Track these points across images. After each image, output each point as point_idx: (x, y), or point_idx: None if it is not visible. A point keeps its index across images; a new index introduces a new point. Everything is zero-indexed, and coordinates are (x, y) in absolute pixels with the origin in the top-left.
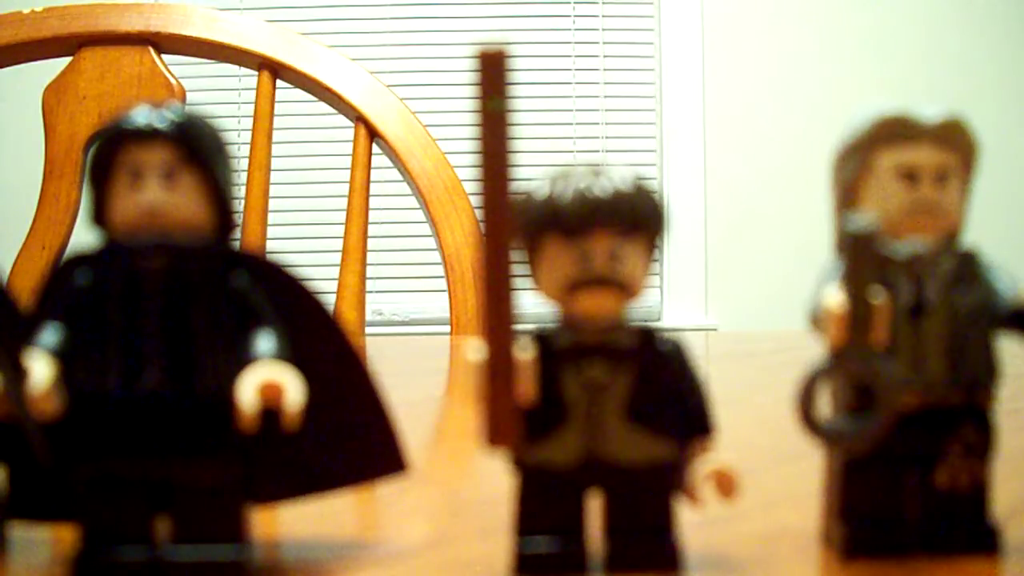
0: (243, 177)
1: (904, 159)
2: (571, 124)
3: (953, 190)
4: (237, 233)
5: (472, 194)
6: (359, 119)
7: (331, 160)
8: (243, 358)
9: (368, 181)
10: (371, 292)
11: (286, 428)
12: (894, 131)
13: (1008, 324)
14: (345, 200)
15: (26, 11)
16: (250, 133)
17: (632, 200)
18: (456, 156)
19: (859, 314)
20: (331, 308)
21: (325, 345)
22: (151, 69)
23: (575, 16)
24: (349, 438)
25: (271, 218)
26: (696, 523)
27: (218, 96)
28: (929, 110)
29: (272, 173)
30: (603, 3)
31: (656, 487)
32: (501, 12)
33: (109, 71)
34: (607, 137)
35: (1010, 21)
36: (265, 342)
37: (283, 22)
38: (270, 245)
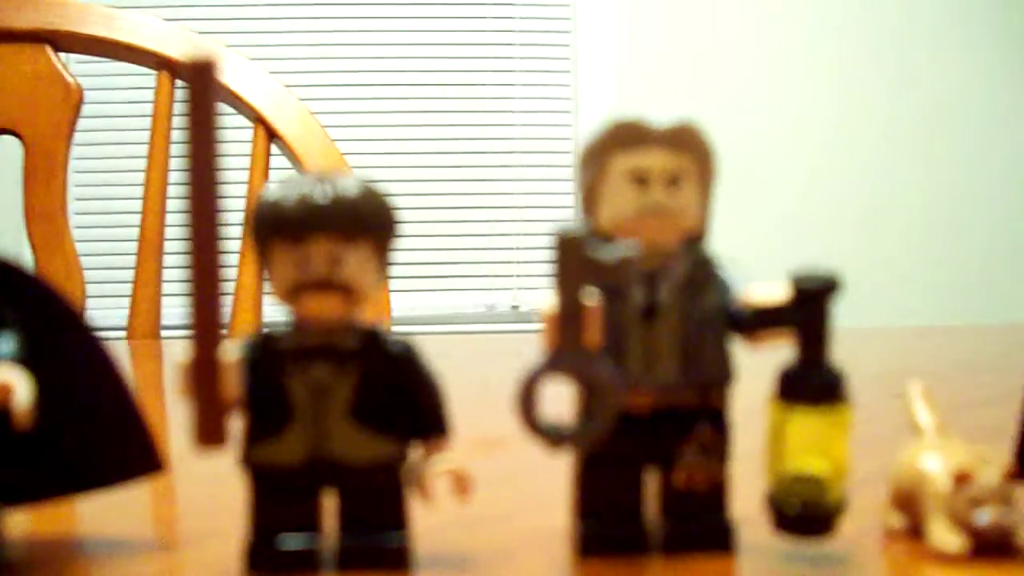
0: (141, 177)
1: (634, 163)
2: (486, 126)
3: (687, 193)
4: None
5: (180, 198)
6: (258, 120)
7: (230, 160)
8: None
9: (267, 182)
10: (268, 293)
11: (17, 427)
12: (626, 135)
13: (730, 326)
14: (244, 201)
15: None
16: (148, 133)
17: (354, 206)
18: (355, 157)
19: (569, 316)
20: (84, 314)
21: (77, 349)
22: (48, 67)
23: (491, 17)
24: (105, 439)
25: (168, 219)
26: (443, 525)
27: (117, 95)
28: (661, 115)
29: (170, 173)
30: (520, 4)
31: (384, 486)
32: (405, 13)
33: (5, 69)
34: (522, 139)
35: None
36: (1, 344)
37: (180, 20)
38: (168, 246)
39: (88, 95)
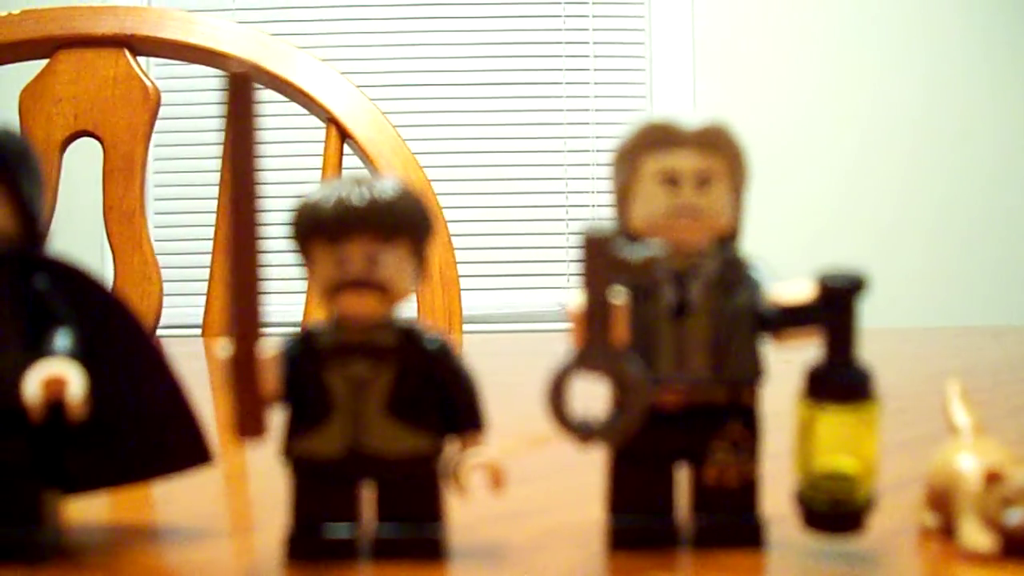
0: (216, 178)
1: (665, 164)
2: (561, 124)
3: (718, 194)
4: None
5: (227, 200)
6: (330, 120)
7: (303, 161)
8: (38, 355)
9: None
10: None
11: (71, 418)
12: (657, 137)
13: (762, 326)
14: None
15: (3, 14)
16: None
17: (390, 208)
18: (425, 157)
19: (596, 313)
20: (132, 309)
21: (127, 344)
22: (127, 71)
23: (565, 16)
24: (155, 431)
25: None
26: (479, 518)
27: (195, 97)
28: (691, 117)
29: None
30: (593, 3)
31: (421, 478)
32: (477, 12)
33: (85, 73)
34: (597, 137)
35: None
36: (58, 340)
37: (255, 23)
38: None
39: (168, 97)
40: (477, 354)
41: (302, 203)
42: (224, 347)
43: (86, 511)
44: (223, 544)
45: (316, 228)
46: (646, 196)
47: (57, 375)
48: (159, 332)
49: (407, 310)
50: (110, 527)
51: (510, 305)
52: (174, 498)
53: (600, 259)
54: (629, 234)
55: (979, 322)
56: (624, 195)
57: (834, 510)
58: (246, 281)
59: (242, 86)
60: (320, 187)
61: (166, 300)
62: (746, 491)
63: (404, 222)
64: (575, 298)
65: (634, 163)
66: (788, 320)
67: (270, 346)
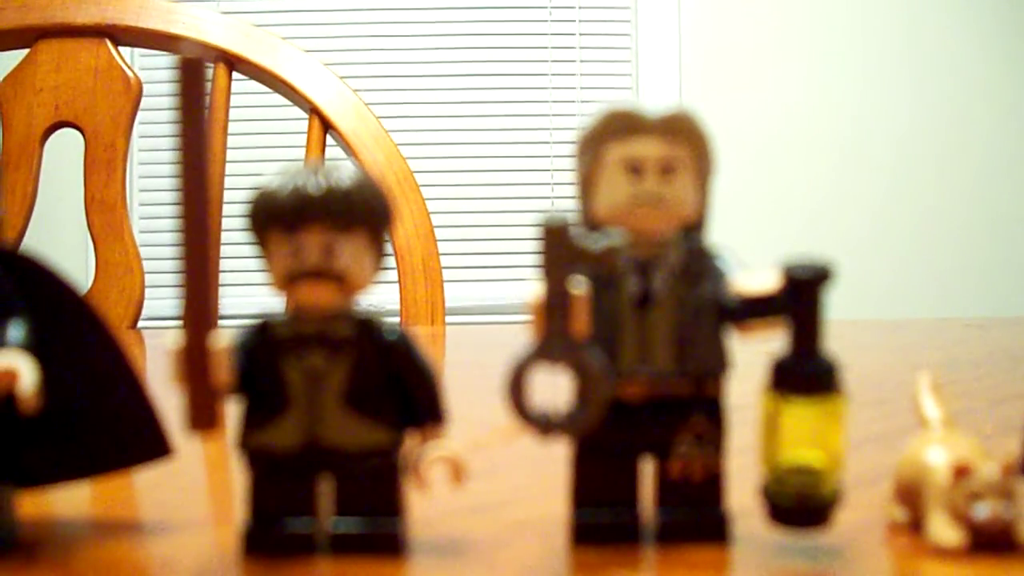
0: None
1: (628, 152)
2: (547, 115)
3: (681, 182)
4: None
5: (175, 190)
6: (313, 111)
7: (285, 152)
8: None
9: None
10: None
11: (22, 412)
12: (620, 125)
13: (726, 317)
14: None
15: None
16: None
17: (347, 197)
18: (408, 148)
19: (555, 304)
20: (90, 301)
21: (84, 336)
22: (108, 61)
23: (551, 8)
24: (114, 424)
25: (226, 209)
26: (440, 512)
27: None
28: (656, 105)
29: (227, 165)
30: (580, 8)
31: (380, 472)
32: (463, 3)
33: (66, 63)
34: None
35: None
36: (10, 331)
37: (238, 14)
38: (225, 236)
39: (152, 88)
40: (460, 346)
41: (258, 192)
42: (175, 338)
43: (42, 506)
44: (181, 538)
45: (272, 217)
46: (609, 184)
47: (8, 367)
48: (141, 324)
49: (372, 301)
50: (67, 521)
51: (494, 297)
52: (133, 492)
53: (558, 248)
54: (592, 223)
55: (967, 313)
56: (587, 184)
57: (800, 504)
58: (196, 270)
59: (194, 71)
60: (277, 175)
61: (149, 292)
62: (711, 485)
63: (361, 211)
64: (533, 288)
65: (597, 151)
66: (753, 311)
67: (222, 337)
